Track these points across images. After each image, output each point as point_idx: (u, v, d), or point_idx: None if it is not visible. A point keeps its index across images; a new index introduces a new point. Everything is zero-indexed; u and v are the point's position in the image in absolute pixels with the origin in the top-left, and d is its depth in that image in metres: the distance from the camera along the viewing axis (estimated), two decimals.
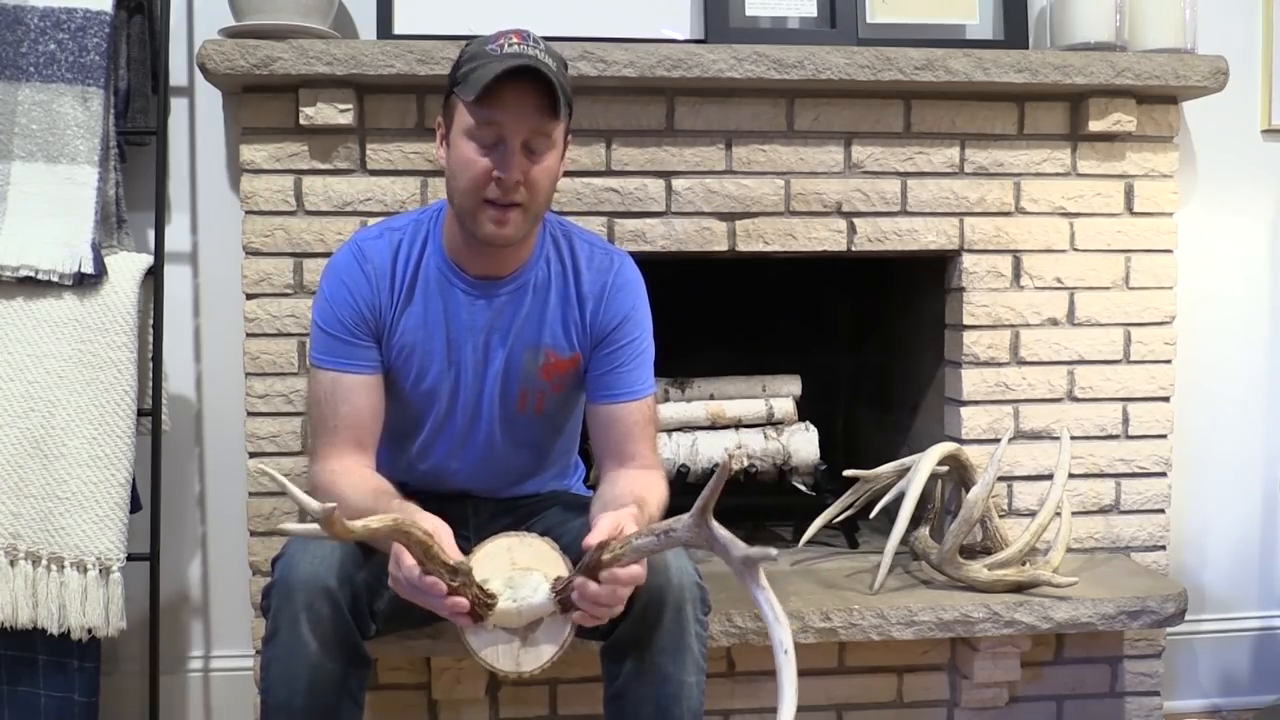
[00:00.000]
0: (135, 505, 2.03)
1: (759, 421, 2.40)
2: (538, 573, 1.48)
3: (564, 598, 1.45)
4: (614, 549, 1.42)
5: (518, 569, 1.49)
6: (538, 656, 1.48)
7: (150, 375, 2.05)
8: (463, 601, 1.43)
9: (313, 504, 1.33)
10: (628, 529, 1.46)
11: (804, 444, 2.37)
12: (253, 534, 2.10)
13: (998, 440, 2.16)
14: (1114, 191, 2.26)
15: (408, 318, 1.71)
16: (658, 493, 1.66)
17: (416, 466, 1.79)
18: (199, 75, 2.09)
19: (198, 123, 2.21)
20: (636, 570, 1.44)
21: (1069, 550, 2.17)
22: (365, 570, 1.59)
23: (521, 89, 1.55)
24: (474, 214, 1.61)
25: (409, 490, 1.66)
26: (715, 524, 1.33)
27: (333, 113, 2.03)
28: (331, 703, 1.53)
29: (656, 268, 1.97)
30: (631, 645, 1.55)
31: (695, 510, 1.33)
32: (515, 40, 1.58)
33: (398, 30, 2.13)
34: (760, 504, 2.44)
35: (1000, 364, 2.24)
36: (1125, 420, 2.28)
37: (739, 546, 1.31)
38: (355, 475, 1.64)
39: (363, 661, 1.57)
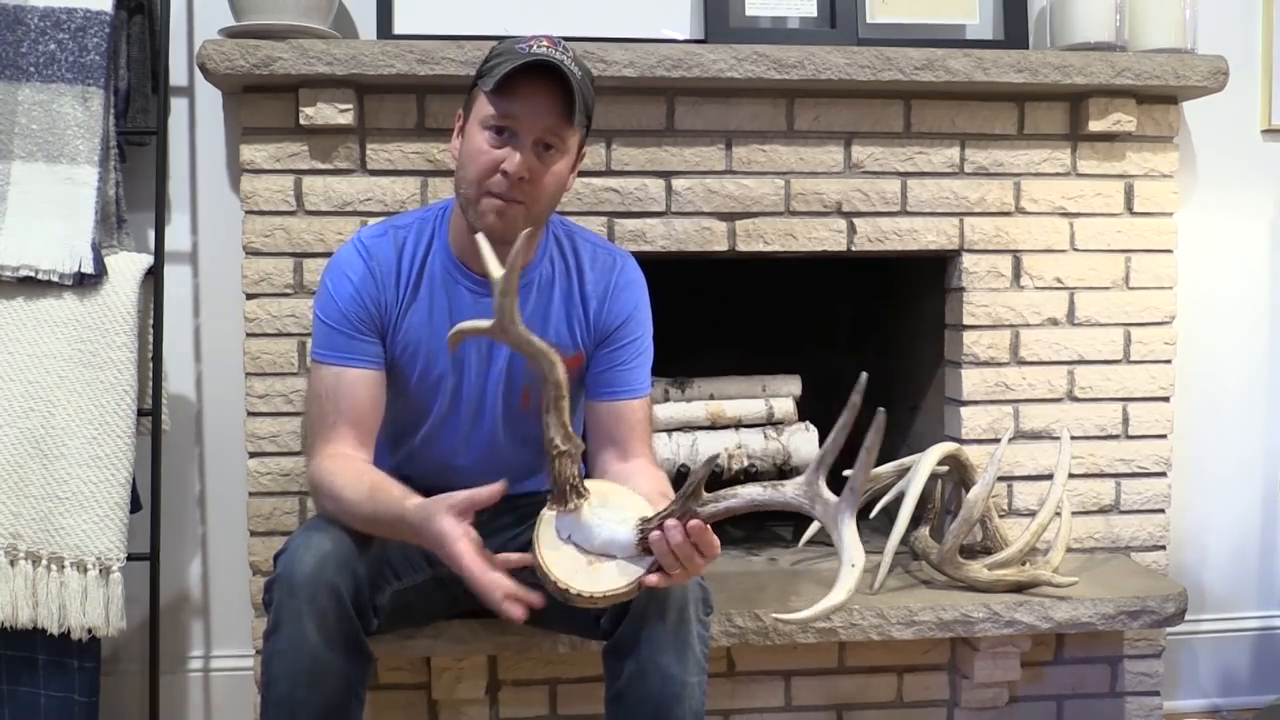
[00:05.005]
0: (135, 505, 2.03)
1: (759, 421, 2.39)
2: (631, 511, 1.47)
3: (645, 538, 1.43)
4: (707, 499, 1.42)
5: (616, 503, 1.48)
6: (593, 583, 1.43)
7: (150, 375, 2.05)
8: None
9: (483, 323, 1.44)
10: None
11: (804, 444, 2.37)
12: (253, 534, 2.10)
13: (998, 440, 2.16)
14: (1114, 191, 2.26)
15: (412, 315, 1.71)
16: (672, 493, 1.67)
17: (420, 461, 1.79)
18: (199, 75, 2.09)
19: (198, 123, 2.21)
20: (716, 543, 1.45)
21: (1069, 550, 2.17)
22: (368, 565, 1.59)
23: (541, 87, 1.58)
24: (476, 203, 1.63)
25: (412, 485, 1.66)
26: (822, 484, 1.41)
27: (333, 113, 2.03)
28: (334, 697, 1.53)
29: (656, 268, 1.97)
30: (633, 645, 1.55)
31: (814, 468, 1.43)
32: (545, 44, 1.61)
33: (398, 30, 2.13)
34: None
35: (1000, 364, 2.24)
36: (1125, 420, 2.28)
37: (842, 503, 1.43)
38: (350, 472, 1.63)
39: (365, 656, 1.58)
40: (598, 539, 1.45)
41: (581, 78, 1.62)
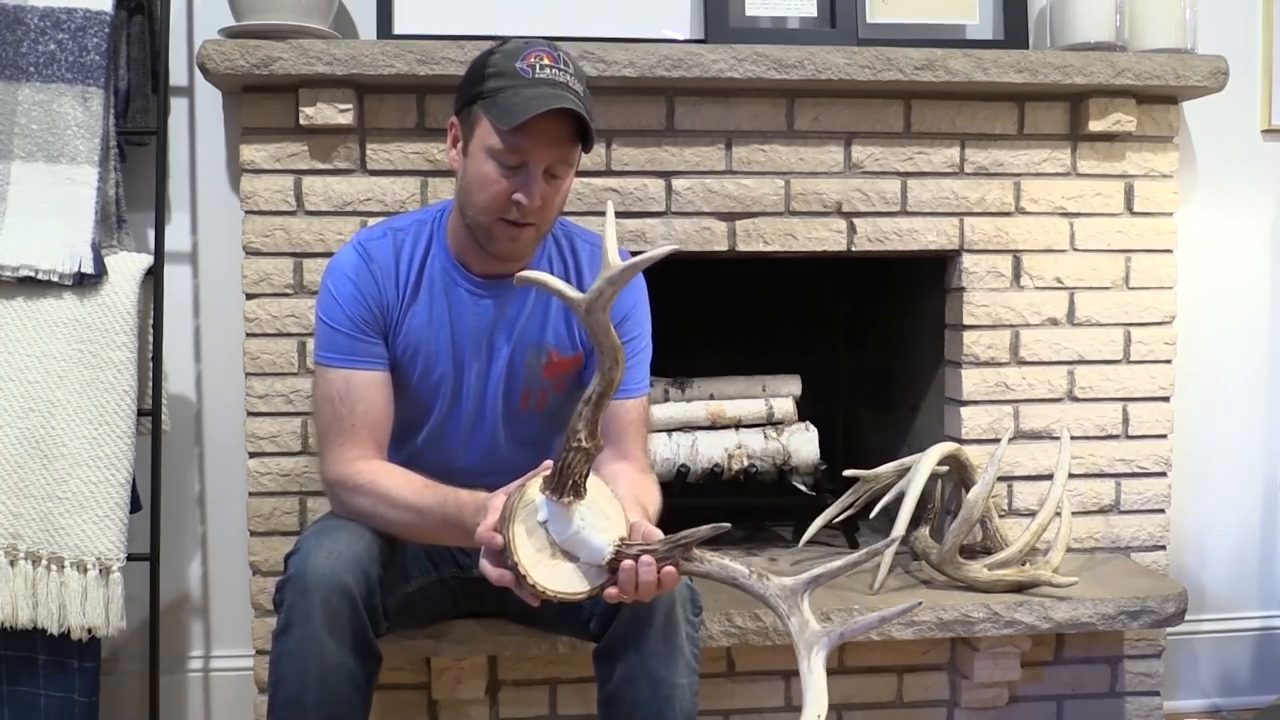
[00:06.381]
0: (135, 505, 2.03)
1: (759, 421, 2.40)
2: (614, 524, 1.46)
3: (618, 560, 1.42)
4: (695, 555, 1.43)
5: (602, 509, 1.47)
6: (551, 579, 1.42)
7: (150, 375, 2.05)
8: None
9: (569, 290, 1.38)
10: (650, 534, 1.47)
11: (804, 444, 2.37)
12: (253, 534, 2.10)
13: (998, 440, 2.16)
14: (1114, 191, 2.26)
15: (413, 317, 1.72)
16: (656, 499, 1.68)
17: (421, 462, 1.79)
18: (199, 75, 2.09)
19: (198, 123, 2.21)
20: (678, 584, 1.47)
21: (1069, 550, 2.17)
22: (382, 567, 1.59)
23: (554, 120, 1.57)
24: (488, 230, 1.64)
25: None
26: (807, 603, 1.42)
27: (333, 113, 2.03)
28: (343, 698, 1.53)
29: (656, 268, 1.97)
30: (622, 648, 1.55)
31: (804, 580, 1.44)
32: (547, 62, 1.59)
33: (398, 30, 2.13)
34: (760, 504, 2.44)
35: (1000, 364, 2.24)
36: (1125, 420, 2.28)
37: (812, 629, 1.42)
38: (398, 472, 1.65)
39: (374, 657, 1.58)
40: (571, 537, 1.44)
41: (584, 94, 1.61)
